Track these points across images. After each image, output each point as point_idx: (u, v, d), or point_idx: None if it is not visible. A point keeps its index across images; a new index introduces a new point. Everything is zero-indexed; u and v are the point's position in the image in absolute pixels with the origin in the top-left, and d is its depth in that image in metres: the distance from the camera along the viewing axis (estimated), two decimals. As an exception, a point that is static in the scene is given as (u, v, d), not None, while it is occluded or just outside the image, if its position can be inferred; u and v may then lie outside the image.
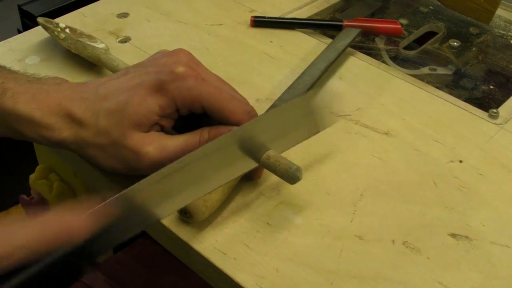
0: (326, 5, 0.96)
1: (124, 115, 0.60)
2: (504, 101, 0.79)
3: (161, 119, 0.61)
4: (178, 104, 0.61)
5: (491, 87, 0.82)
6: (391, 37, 0.89)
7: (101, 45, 0.79)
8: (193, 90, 0.61)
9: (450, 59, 0.87)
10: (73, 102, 0.62)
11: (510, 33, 0.92)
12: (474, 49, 0.89)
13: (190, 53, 0.64)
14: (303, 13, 0.94)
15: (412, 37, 0.91)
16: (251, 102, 0.73)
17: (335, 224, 0.61)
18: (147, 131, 0.61)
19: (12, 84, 0.63)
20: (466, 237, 0.60)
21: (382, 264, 0.57)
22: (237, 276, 0.56)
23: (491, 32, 0.93)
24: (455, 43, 0.89)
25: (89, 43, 0.79)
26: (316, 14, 0.94)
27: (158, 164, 0.59)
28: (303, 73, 0.77)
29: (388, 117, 0.74)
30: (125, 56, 0.82)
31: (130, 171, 0.62)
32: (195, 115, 0.63)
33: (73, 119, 0.61)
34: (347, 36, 0.84)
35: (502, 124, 0.74)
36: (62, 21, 0.86)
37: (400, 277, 0.57)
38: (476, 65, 0.86)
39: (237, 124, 0.62)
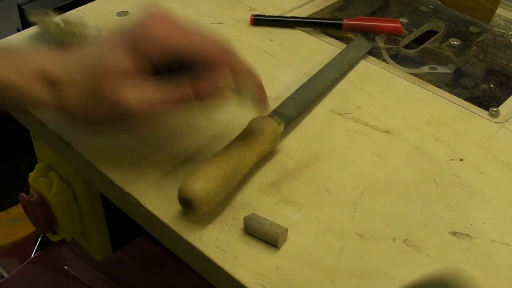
0: (326, 4, 0.96)
1: (99, 69, 0.59)
2: (504, 99, 0.79)
3: (136, 75, 0.60)
4: (152, 57, 0.60)
5: (492, 86, 0.82)
6: (391, 36, 0.89)
7: (94, 31, 0.79)
8: (164, 40, 0.60)
9: (450, 58, 0.87)
10: (49, 62, 0.61)
11: (510, 32, 0.92)
12: (474, 48, 0.89)
13: (164, 11, 0.62)
14: (303, 12, 0.94)
15: (412, 36, 0.91)
16: (251, 100, 0.73)
17: (336, 222, 0.61)
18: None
19: None
20: (467, 235, 0.60)
21: (382, 262, 0.57)
22: (237, 273, 0.56)
23: (491, 31, 0.93)
24: (455, 42, 0.89)
25: (80, 32, 0.79)
26: (316, 13, 0.94)
27: (138, 112, 0.59)
28: (314, 77, 0.77)
29: (389, 115, 0.74)
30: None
31: (110, 124, 0.61)
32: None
33: (48, 78, 0.60)
34: (360, 49, 0.84)
35: (502, 122, 0.74)
36: (62, 19, 0.86)
37: (400, 274, 0.56)
38: (476, 64, 0.86)
39: (215, 64, 0.61)
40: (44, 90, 0.60)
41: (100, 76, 0.59)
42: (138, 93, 0.59)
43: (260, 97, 0.65)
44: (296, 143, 0.70)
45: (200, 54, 0.61)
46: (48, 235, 0.95)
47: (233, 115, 0.72)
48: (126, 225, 0.85)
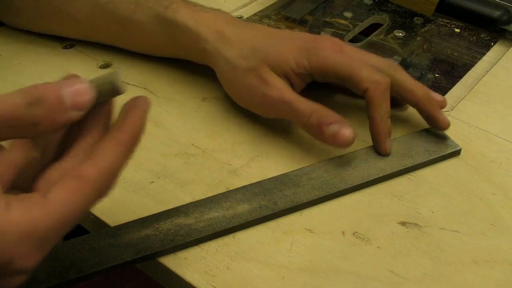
0: (270, 2, 0.96)
1: (265, 54, 0.68)
2: (450, 88, 0.80)
3: (293, 75, 0.68)
4: (313, 68, 0.67)
5: (437, 75, 0.83)
6: (337, 31, 0.90)
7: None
8: (328, 59, 0.66)
9: (396, 50, 0.87)
10: (227, 24, 0.72)
11: (453, 22, 0.93)
12: (419, 38, 0.90)
13: (339, 39, 0.70)
14: (248, 11, 0.94)
15: (357, 30, 0.92)
16: (198, 101, 0.73)
17: (284, 219, 0.61)
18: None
19: (180, 1, 0.75)
20: (416, 224, 0.61)
21: (332, 256, 0.58)
22: (188, 275, 0.55)
23: (435, 22, 0.93)
24: (400, 34, 0.90)
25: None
26: (261, 11, 0.94)
27: (273, 100, 0.67)
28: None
29: (335, 110, 0.74)
30: (70, 62, 0.81)
31: (247, 100, 0.71)
32: None
33: (222, 36, 0.71)
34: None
35: (448, 111, 0.75)
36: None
37: (351, 268, 0.57)
38: (422, 54, 0.87)
39: (364, 91, 0.66)
40: (213, 39, 0.72)
41: (263, 60, 0.68)
42: (282, 89, 0.68)
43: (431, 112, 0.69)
44: (242, 142, 0.70)
45: (354, 78, 0.66)
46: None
47: (182, 121, 0.72)
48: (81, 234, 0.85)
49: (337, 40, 0.69)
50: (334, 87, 0.73)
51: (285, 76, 0.68)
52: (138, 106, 0.45)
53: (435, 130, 0.70)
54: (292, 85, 0.68)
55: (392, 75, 0.67)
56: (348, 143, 0.64)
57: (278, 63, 0.67)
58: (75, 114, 0.42)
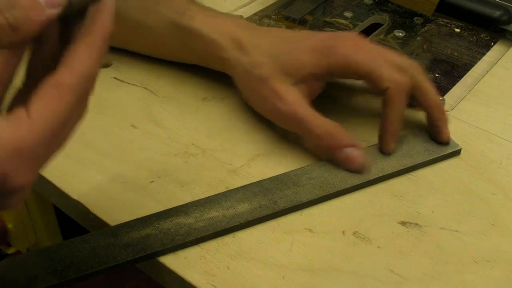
0: (271, 2, 0.96)
1: (280, 61, 0.67)
2: (450, 88, 0.80)
3: (312, 78, 0.67)
4: (332, 67, 0.66)
5: (437, 75, 0.82)
6: (337, 31, 0.90)
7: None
8: (348, 57, 0.65)
9: (396, 50, 0.87)
10: (242, 30, 0.71)
11: (453, 22, 0.93)
12: (419, 38, 0.90)
13: (359, 35, 0.70)
14: (248, 11, 0.94)
15: (357, 30, 0.92)
16: (198, 101, 0.73)
17: (284, 218, 0.61)
18: (295, 85, 0.67)
19: (195, 8, 0.74)
20: (416, 224, 0.61)
21: (333, 256, 0.58)
22: (188, 275, 0.55)
23: (435, 22, 0.93)
24: (400, 34, 0.90)
25: None
26: (261, 11, 0.94)
27: (285, 114, 0.66)
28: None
29: (335, 110, 0.74)
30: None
31: (261, 109, 0.70)
32: None
33: (236, 42, 0.70)
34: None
35: (448, 111, 0.75)
36: None
37: (351, 267, 0.57)
38: (422, 54, 0.87)
39: (384, 90, 0.65)
40: (227, 47, 0.71)
41: (277, 67, 0.67)
42: (294, 102, 0.67)
43: (438, 121, 0.69)
44: (242, 142, 0.70)
45: (373, 76, 0.65)
46: (2, 247, 0.94)
47: (182, 121, 0.72)
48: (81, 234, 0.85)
49: (357, 36, 0.69)
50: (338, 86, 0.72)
51: (303, 81, 0.67)
52: (103, 8, 0.44)
53: None
54: (310, 91, 0.68)
55: (412, 75, 0.66)
56: (359, 168, 0.65)
57: (295, 68, 0.66)
58: (51, 12, 0.41)
